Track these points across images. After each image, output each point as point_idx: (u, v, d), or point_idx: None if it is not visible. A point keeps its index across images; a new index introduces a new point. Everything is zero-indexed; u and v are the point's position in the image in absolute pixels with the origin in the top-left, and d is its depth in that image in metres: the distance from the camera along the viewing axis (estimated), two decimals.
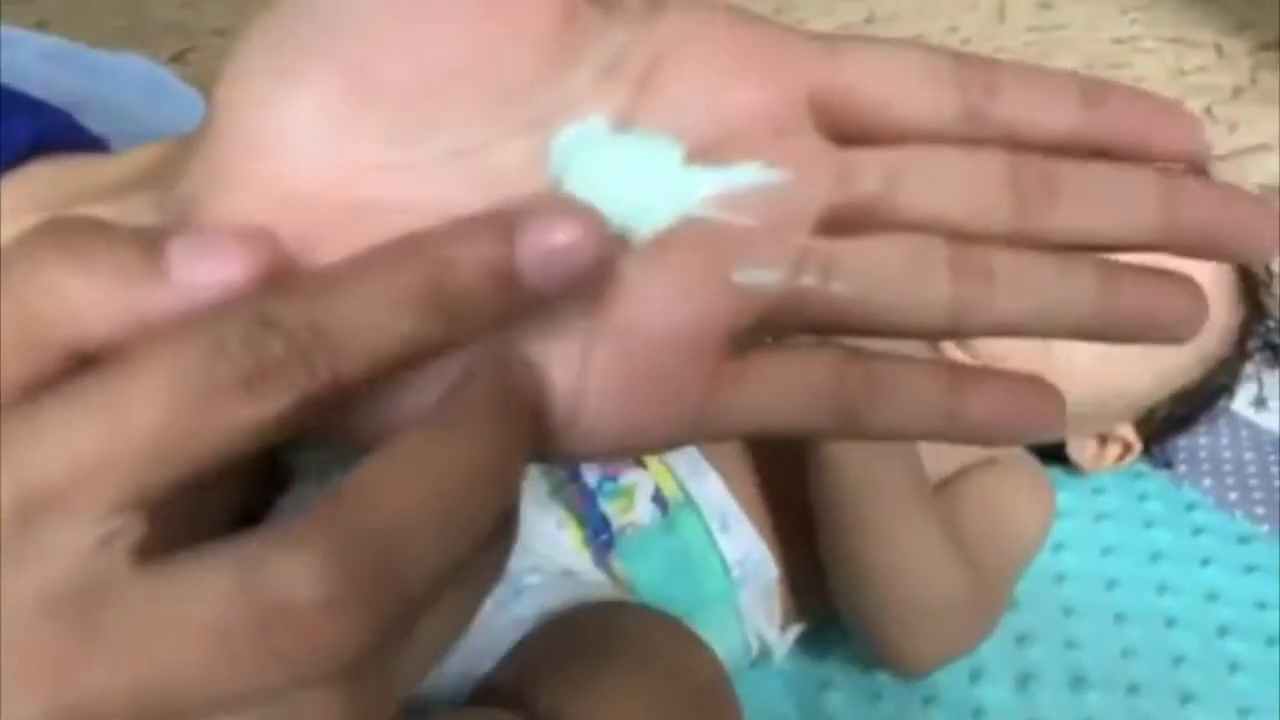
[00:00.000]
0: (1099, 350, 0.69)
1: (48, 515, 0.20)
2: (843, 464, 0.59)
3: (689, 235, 0.24)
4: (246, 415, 0.20)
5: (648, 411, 0.24)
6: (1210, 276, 0.75)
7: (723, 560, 0.60)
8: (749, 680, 0.64)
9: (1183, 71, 1.26)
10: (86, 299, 0.21)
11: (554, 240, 0.22)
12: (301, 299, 0.21)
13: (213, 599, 0.19)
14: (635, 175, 0.24)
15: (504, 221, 0.22)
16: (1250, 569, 0.77)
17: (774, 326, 0.25)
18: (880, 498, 0.59)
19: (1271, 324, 0.81)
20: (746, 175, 0.25)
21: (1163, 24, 1.33)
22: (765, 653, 0.65)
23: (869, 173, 0.25)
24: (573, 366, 0.24)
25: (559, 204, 0.23)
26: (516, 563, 0.56)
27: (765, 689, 0.66)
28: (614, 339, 0.24)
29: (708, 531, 0.60)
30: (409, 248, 0.22)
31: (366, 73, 0.23)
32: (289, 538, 0.20)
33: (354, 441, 0.23)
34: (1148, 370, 0.74)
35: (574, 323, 0.24)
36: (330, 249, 0.22)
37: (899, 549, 0.59)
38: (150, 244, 0.21)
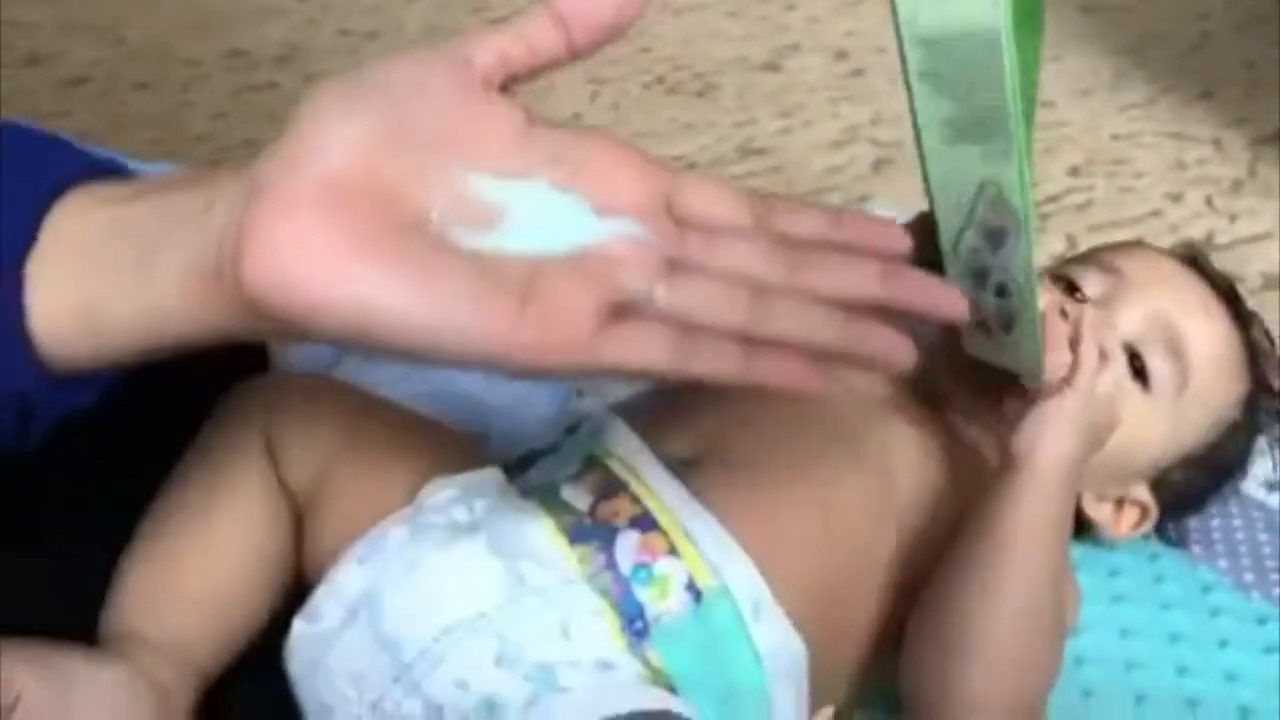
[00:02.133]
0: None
1: None
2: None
3: (591, 256, 0.45)
4: None
5: (560, 341, 0.43)
6: (1221, 343, 0.77)
7: (754, 650, 0.61)
8: None
9: (1183, 165, 1.29)
10: None
11: None
12: None
13: None
14: (565, 216, 0.46)
15: None
16: (1269, 650, 0.78)
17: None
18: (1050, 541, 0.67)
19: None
20: (627, 226, 0.46)
21: (1162, 119, 1.36)
22: None
23: (693, 244, 0.47)
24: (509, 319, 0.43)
25: None
26: (557, 651, 0.58)
27: None
28: (542, 304, 0.43)
29: (740, 619, 0.61)
30: None
31: (400, 122, 0.44)
32: None
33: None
34: (1162, 422, 0.76)
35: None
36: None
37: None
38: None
